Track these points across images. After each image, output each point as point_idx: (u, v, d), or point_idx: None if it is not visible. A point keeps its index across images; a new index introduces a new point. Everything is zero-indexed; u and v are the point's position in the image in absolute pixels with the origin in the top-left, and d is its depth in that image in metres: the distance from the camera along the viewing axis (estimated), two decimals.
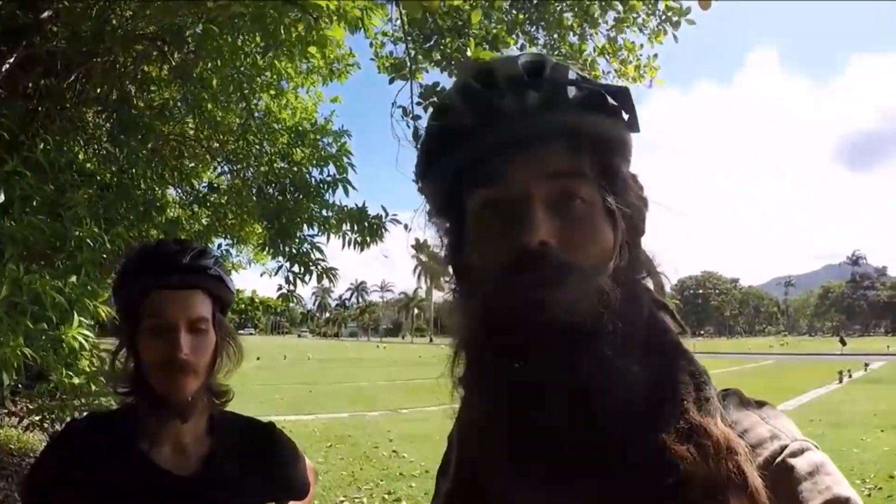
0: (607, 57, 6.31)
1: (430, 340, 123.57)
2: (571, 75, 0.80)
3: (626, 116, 0.81)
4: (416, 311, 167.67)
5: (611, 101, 0.79)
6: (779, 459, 0.71)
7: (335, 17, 4.09)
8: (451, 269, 0.91)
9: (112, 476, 1.50)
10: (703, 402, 0.75)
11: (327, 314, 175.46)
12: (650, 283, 0.86)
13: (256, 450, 1.74)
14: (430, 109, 4.65)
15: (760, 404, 0.81)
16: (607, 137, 0.80)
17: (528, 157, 0.77)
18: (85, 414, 1.79)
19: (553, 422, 0.72)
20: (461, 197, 0.83)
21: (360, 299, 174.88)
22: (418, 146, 0.88)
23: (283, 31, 3.86)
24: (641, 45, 6.19)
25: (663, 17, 5.86)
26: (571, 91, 0.78)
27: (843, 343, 56.80)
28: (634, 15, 5.97)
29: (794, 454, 0.72)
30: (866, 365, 32.64)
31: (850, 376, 26.38)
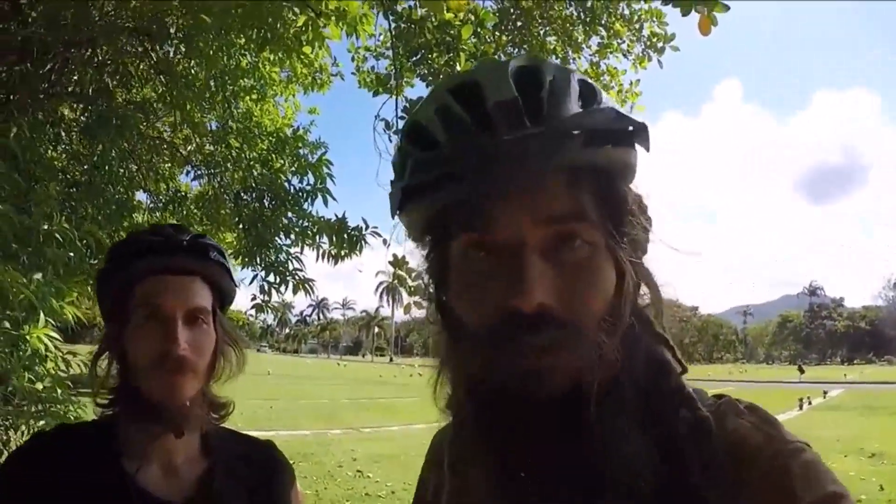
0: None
1: (391, 360, 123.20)
2: (573, 97, 0.72)
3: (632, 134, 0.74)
4: (377, 329, 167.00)
5: (615, 125, 0.72)
6: (773, 462, 0.71)
7: (334, 18, 3.99)
8: (434, 308, 0.85)
9: (91, 501, 1.27)
10: (706, 457, 0.73)
11: (287, 330, 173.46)
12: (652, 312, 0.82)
13: (256, 474, 1.52)
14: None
15: (752, 409, 0.80)
16: (609, 168, 0.74)
17: (523, 199, 0.69)
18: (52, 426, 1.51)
19: (552, 493, 0.71)
20: (445, 233, 0.77)
21: (321, 316, 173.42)
22: (393, 171, 0.80)
23: (280, 27, 3.73)
24: (625, 71, 6.15)
25: (648, 44, 5.83)
26: (578, 127, 0.69)
27: (802, 371, 57.83)
28: (618, 41, 5.93)
29: (788, 455, 0.72)
30: (825, 392, 33.39)
31: (810, 403, 26.94)
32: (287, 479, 1.59)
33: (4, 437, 4.40)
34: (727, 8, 3.02)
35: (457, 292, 0.77)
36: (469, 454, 0.78)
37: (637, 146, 0.75)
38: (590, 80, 0.76)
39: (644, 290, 0.81)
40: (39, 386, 3.20)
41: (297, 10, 3.65)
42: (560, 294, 0.69)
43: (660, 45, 5.74)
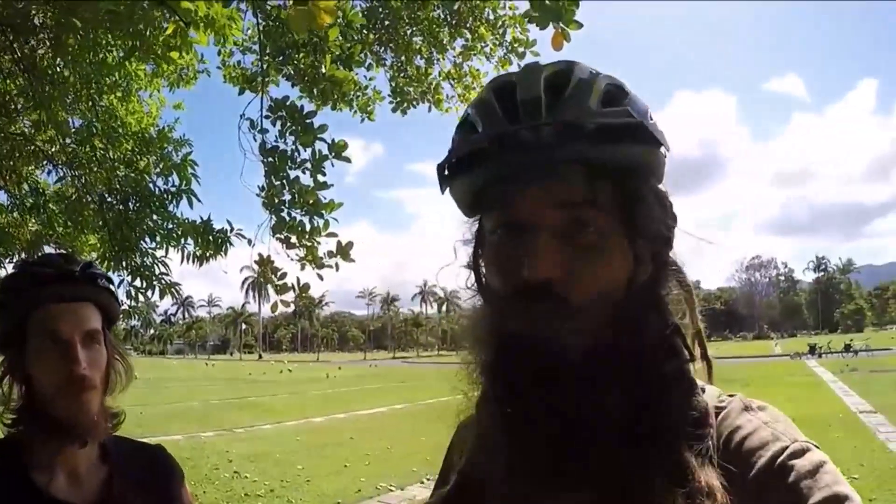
0: (452, 82, 6.41)
1: (260, 357, 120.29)
2: (594, 97, 0.79)
3: (656, 135, 0.81)
4: (244, 326, 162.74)
5: (640, 125, 0.79)
6: (780, 459, 0.74)
7: (202, 25, 3.97)
8: (472, 278, 0.94)
9: None
10: (695, 440, 0.77)
11: (152, 331, 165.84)
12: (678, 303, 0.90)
13: (151, 475, 1.66)
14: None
15: (762, 408, 0.84)
16: (627, 165, 0.80)
17: (541, 186, 0.78)
18: None
19: (545, 454, 0.76)
20: (481, 211, 0.89)
21: (187, 315, 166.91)
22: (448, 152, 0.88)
23: (148, 33, 3.68)
24: (486, 73, 6.31)
25: (510, 48, 6.02)
26: (590, 122, 0.77)
27: None
28: (482, 44, 6.09)
29: (795, 454, 0.74)
30: None
31: None
32: (178, 479, 1.74)
33: None
34: (580, 25, 3.26)
35: (487, 264, 0.88)
36: (484, 399, 0.86)
37: (661, 152, 0.83)
38: (622, 85, 0.83)
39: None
40: None
41: (167, 16, 3.61)
42: (567, 271, 0.77)
43: (521, 49, 5.92)
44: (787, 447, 0.75)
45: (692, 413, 0.80)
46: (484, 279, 0.91)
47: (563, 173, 0.78)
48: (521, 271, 0.77)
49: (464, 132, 0.87)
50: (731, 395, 0.88)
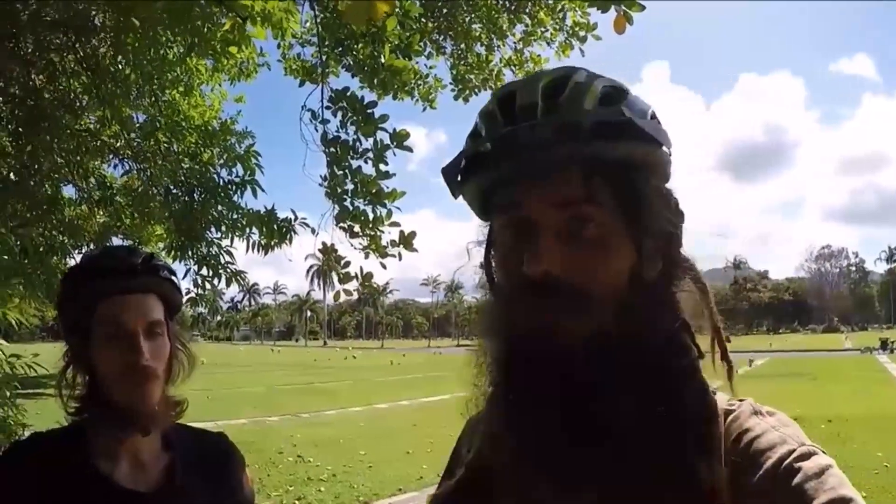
0: (513, 68, 6.33)
1: (324, 343, 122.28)
2: (590, 99, 0.80)
3: (655, 135, 0.82)
4: (309, 313, 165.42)
5: (632, 122, 0.79)
6: (787, 462, 0.74)
7: (259, 19, 4.01)
8: (484, 275, 0.95)
9: (75, 500, 1.42)
10: (703, 439, 0.79)
11: (219, 317, 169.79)
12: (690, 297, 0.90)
13: (213, 462, 1.69)
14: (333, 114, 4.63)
15: (771, 413, 0.85)
16: (623, 163, 0.81)
17: (540, 186, 0.80)
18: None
19: (548, 456, 0.77)
20: (490, 212, 0.91)
21: (253, 302, 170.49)
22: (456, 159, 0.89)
23: (206, 30, 3.74)
24: (547, 59, 6.23)
25: (570, 33, 5.92)
26: (586, 121, 0.78)
27: (728, 341, 60.18)
28: (542, 29, 6.01)
29: (802, 457, 0.74)
30: (751, 361, 34.74)
31: (736, 372, 27.89)
32: (239, 466, 1.78)
33: None
34: (643, 7, 3.18)
35: (496, 262, 0.91)
36: (492, 399, 0.87)
37: (663, 150, 0.85)
38: (622, 87, 0.85)
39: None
40: None
41: (225, 11, 3.66)
42: (568, 266, 0.78)
43: (582, 34, 5.81)
44: (793, 450, 0.76)
45: (701, 413, 0.82)
46: (495, 280, 0.93)
47: (559, 173, 0.79)
48: (523, 268, 0.79)
49: (471, 138, 0.89)
50: (741, 400, 0.89)
